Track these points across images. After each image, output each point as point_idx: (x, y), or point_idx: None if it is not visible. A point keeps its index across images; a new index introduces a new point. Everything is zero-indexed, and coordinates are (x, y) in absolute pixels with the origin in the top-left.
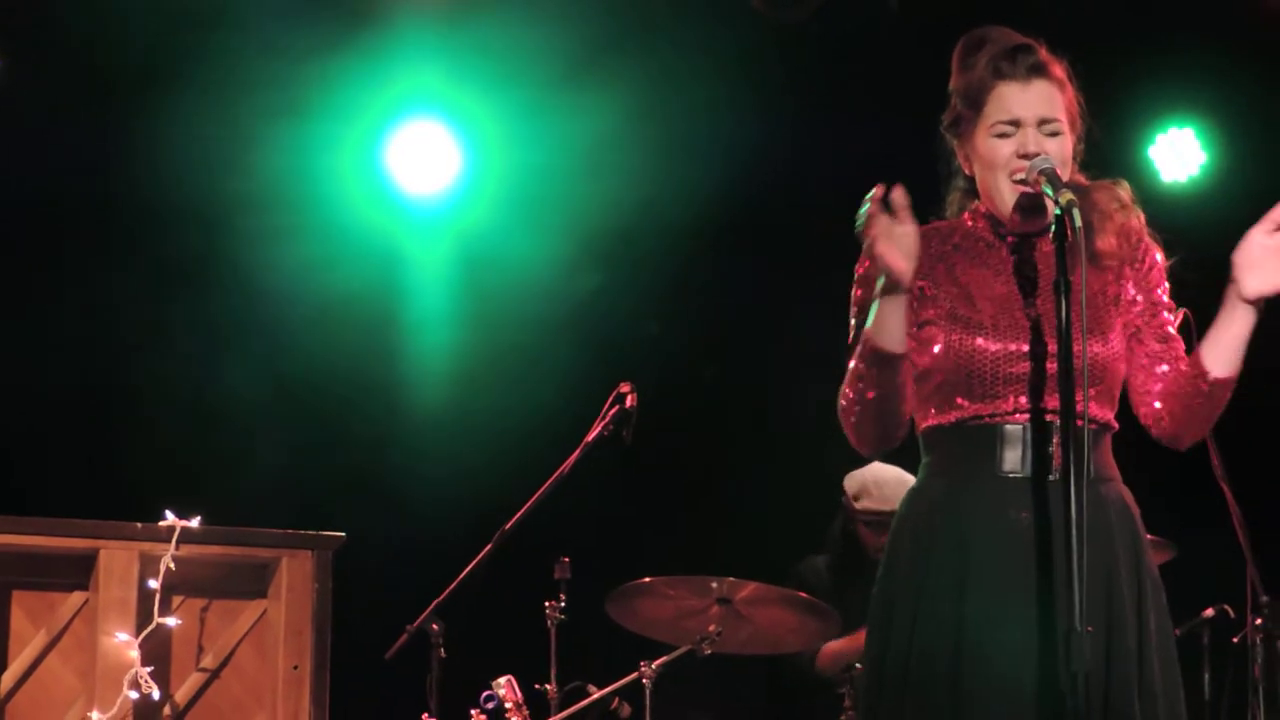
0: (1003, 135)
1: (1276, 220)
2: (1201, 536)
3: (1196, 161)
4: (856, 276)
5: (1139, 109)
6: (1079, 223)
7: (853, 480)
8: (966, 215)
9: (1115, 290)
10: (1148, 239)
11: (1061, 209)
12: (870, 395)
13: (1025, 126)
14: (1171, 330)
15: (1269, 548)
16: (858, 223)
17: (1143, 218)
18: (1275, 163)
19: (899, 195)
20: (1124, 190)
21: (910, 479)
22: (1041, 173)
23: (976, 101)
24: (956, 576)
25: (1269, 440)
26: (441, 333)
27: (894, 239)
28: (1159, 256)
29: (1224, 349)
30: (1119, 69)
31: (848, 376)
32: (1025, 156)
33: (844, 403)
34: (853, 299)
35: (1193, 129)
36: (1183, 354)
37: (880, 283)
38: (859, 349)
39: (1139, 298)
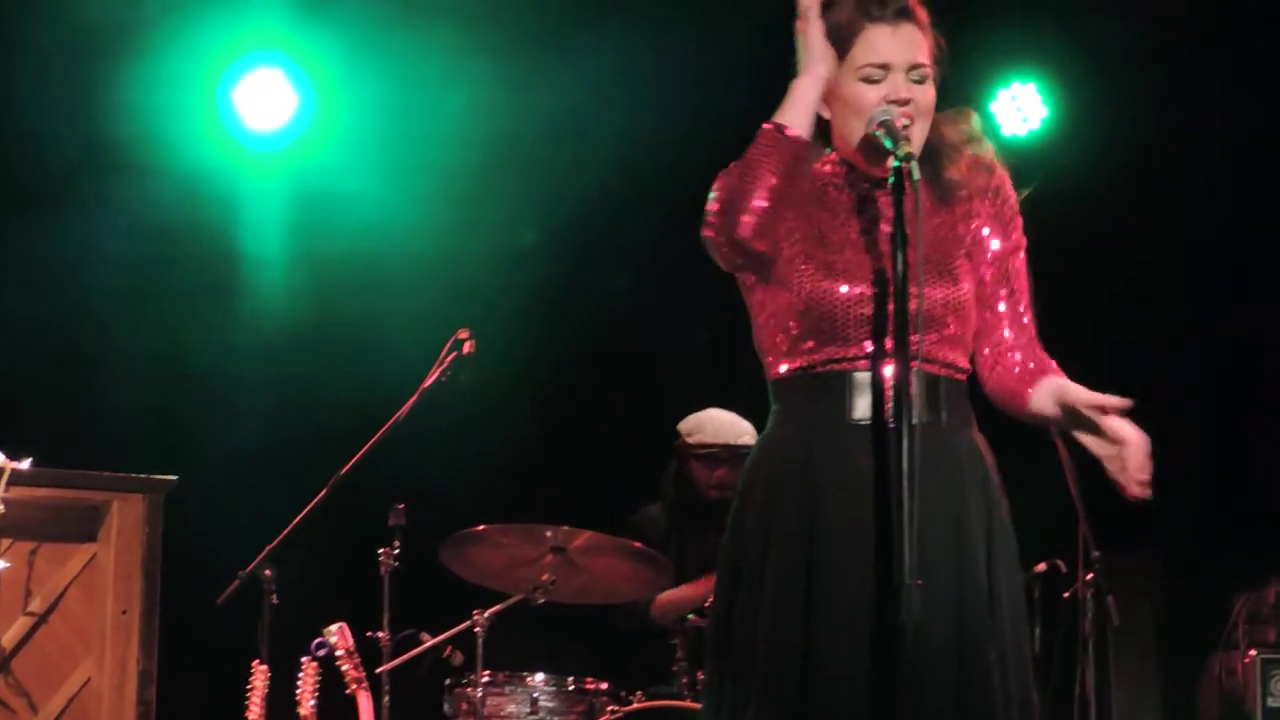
0: (870, 80)
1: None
2: (1033, 490)
3: (1038, 116)
4: None
5: (980, 63)
6: (917, 175)
7: (686, 421)
8: (820, 162)
9: (966, 229)
10: (1000, 170)
11: (900, 160)
12: (751, 173)
13: (894, 71)
14: (1025, 319)
15: (1100, 502)
16: None
17: (991, 149)
18: (1115, 116)
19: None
20: (971, 121)
21: (743, 422)
22: (881, 124)
23: (843, 42)
24: (806, 523)
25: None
26: (279, 273)
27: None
28: (1007, 191)
29: (1052, 410)
30: (960, 23)
31: (736, 165)
32: (894, 103)
33: (722, 183)
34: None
35: (1035, 83)
36: (1023, 345)
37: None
38: (759, 136)
39: (996, 242)
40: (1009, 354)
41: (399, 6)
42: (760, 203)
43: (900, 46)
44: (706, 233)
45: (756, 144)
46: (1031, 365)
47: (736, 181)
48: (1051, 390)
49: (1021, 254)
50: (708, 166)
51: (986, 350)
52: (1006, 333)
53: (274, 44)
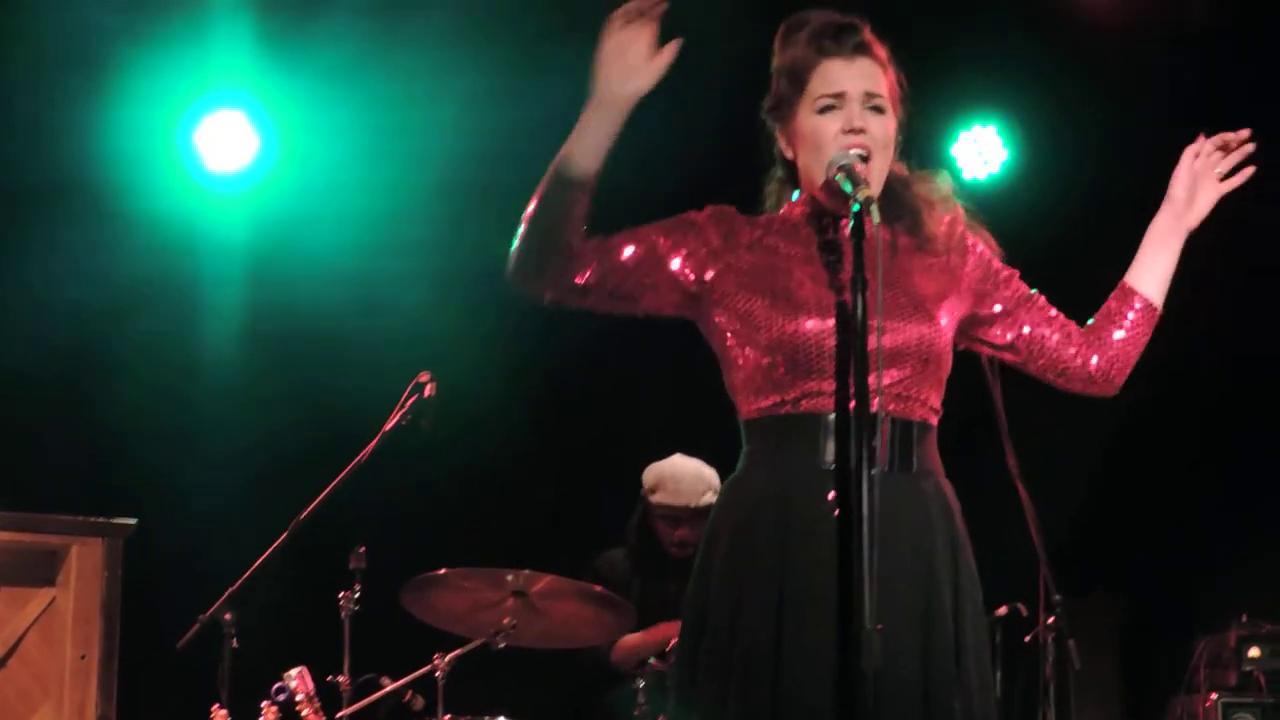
0: (827, 110)
1: (1213, 144)
2: (995, 534)
3: (998, 158)
4: None
5: (942, 106)
6: (877, 219)
7: (650, 473)
8: (786, 207)
9: (940, 276)
10: (969, 231)
11: (859, 205)
12: (537, 214)
13: (850, 100)
14: (1043, 302)
15: (1061, 547)
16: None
17: (961, 210)
18: (1074, 159)
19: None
20: (944, 182)
21: (707, 473)
22: (841, 168)
23: (799, 79)
24: (777, 569)
25: (1065, 441)
26: (239, 318)
27: (626, 48)
28: (983, 246)
29: (1162, 282)
30: (921, 66)
31: (530, 204)
32: (851, 131)
33: (521, 234)
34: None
35: (995, 126)
36: (1073, 325)
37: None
38: (549, 171)
39: (990, 285)
40: (1089, 333)
41: (362, 48)
42: (539, 260)
43: (856, 76)
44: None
45: (545, 183)
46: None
47: (532, 227)
48: (1150, 275)
49: (1017, 277)
50: (669, 202)
51: (1069, 363)
52: (1073, 348)
53: (236, 86)
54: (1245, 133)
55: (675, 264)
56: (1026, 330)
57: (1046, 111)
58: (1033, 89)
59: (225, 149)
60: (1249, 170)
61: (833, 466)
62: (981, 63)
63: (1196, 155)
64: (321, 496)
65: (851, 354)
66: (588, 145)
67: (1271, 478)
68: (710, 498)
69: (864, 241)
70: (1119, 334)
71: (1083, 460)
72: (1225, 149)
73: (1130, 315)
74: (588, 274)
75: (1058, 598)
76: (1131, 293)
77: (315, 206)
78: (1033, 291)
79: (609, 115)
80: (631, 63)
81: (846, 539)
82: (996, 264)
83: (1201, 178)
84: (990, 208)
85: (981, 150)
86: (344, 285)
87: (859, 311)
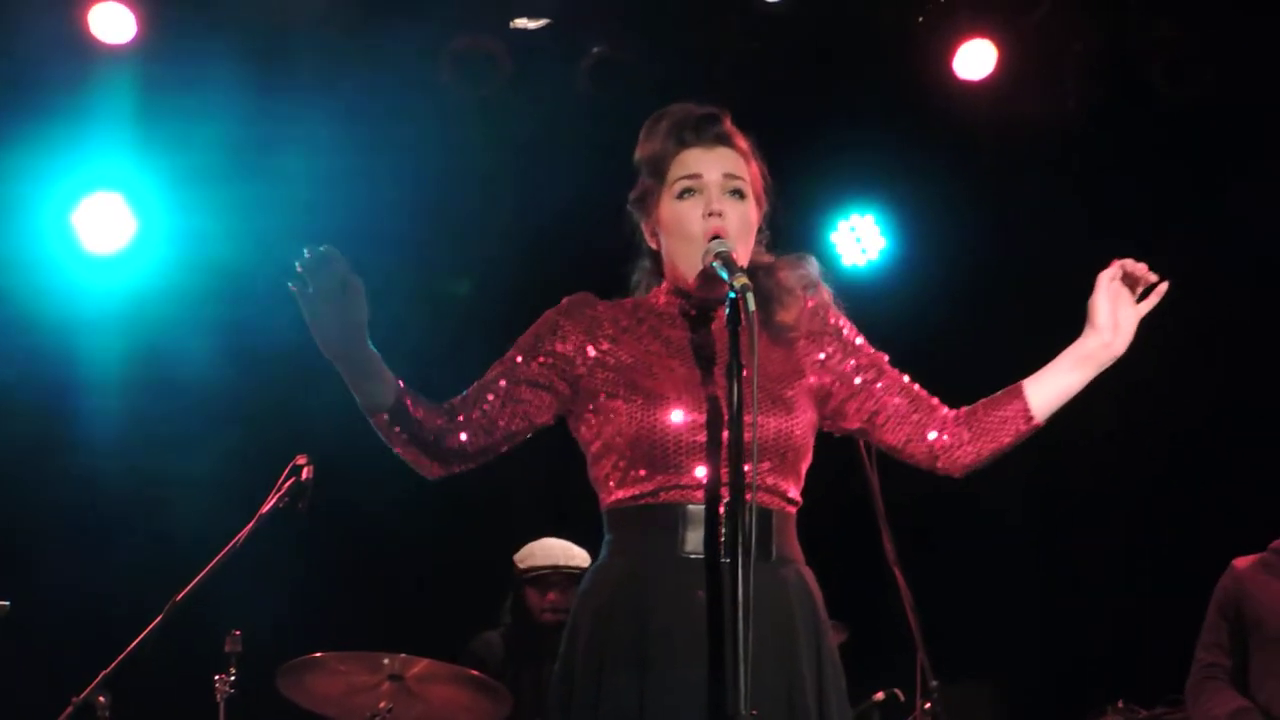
0: (686, 194)
1: (1117, 273)
2: (872, 619)
3: (877, 247)
4: None
5: (820, 195)
6: (752, 307)
7: (520, 551)
8: (653, 294)
9: (801, 366)
10: (834, 311)
11: (735, 292)
12: (404, 450)
13: (708, 184)
14: (906, 380)
15: (938, 633)
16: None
17: (829, 293)
18: (952, 249)
19: (334, 253)
20: (811, 266)
21: (576, 548)
22: (717, 255)
23: (660, 169)
24: (637, 655)
25: (941, 528)
26: (114, 399)
27: (325, 298)
28: (849, 327)
29: (1055, 400)
30: (801, 154)
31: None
32: (711, 214)
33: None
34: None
35: (873, 215)
36: (934, 400)
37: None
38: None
39: (852, 363)
40: (933, 412)
41: (234, 133)
42: (434, 465)
43: (714, 161)
44: None
45: (377, 428)
46: (1011, 399)
47: (403, 456)
48: (1044, 388)
49: (888, 365)
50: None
51: (929, 431)
52: (917, 415)
53: (113, 171)
54: (1144, 266)
55: (541, 377)
56: (882, 403)
57: (924, 201)
58: (911, 178)
59: (103, 233)
60: (1162, 287)
61: (693, 555)
62: (861, 152)
63: (1112, 279)
64: (198, 579)
65: (726, 442)
66: (363, 389)
67: (1146, 564)
68: (579, 563)
69: (739, 329)
70: (986, 423)
71: (959, 544)
72: (1133, 279)
73: (1003, 411)
74: (464, 438)
75: (934, 683)
76: (1018, 394)
77: (191, 285)
78: (897, 371)
79: (353, 362)
80: (339, 317)
81: (718, 625)
82: (861, 343)
83: (1120, 302)
84: (869, 295)
85: (860, 238)
86: (220, 364)
87: (734, 398)
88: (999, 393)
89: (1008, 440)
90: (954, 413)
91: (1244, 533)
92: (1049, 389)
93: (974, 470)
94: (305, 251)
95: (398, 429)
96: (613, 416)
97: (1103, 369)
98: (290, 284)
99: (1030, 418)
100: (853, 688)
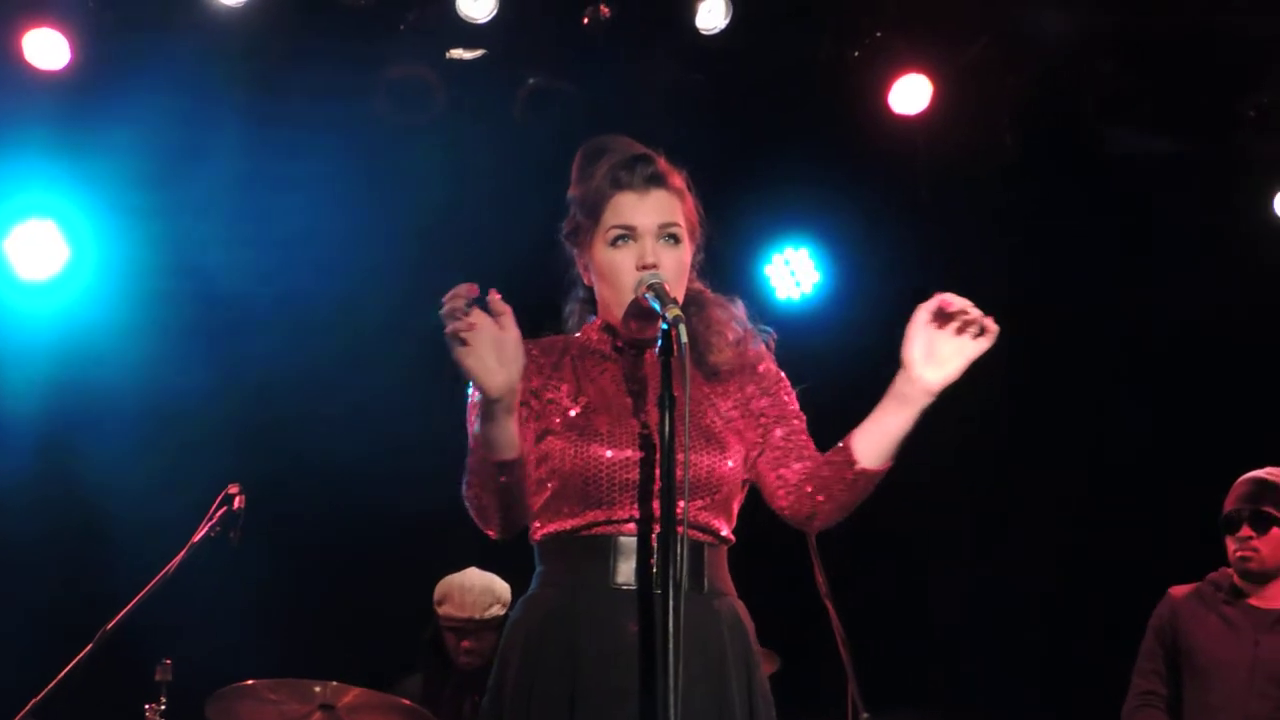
0: (620, 240)
1: (933, 308)
2: (803, 652)
3: (810, 280)
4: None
5: (754, 229)
6: (685, 338)
7: (440, 586)
8: (585, 329)
9: (732, 402)
10: (765, 354)
11: (668, 324)
12: (488, 497)
13: (643, 235)
14: (803, 436)
15: (870, 664)
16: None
17: (755, 335)
18: (886, 282)
19: (498, 301)
20: (739, 308)
21: (497, 587)
22: (650, 288)
23: (594, 211)
24: (567, 687)
25: (873, 559)
26: (44, 425)
27: (490, 346)
28: (774, 369)
29: (878, 442)
30: (736, 188)
31: (468, 474)
32: (645, 267)
33: (468, 494)
34: (470, 401)
35: (807, 249)
36: (815, 451)
37: (477, 395)
38: (473, 454)
39: (765, 402)
40: (810, 458)
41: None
42: (499, 523)
43: (648, 210)
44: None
45: (476, 462)
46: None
47: (480, 503)
48: (865, 433)
49: (796, 420)
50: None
51: (793, 475)
52: (797, 463)
53: (45, 199)
54: (965, 304)
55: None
56: (769, 443)
57: (859, 234)
58: (845, 212)
59: (34, 260)
60: (994, 330)
61: (624, 586)
62: (795, 186)
63: (928, 315)
64: (128, 608)
65: (658, 475)
66: (499, 439)
67: (1080, 594)
68: (496, 610)
69: (671, 360)
70: (821, 475)
71: (891, 577)
72: (943, 317)
73: (832, 458)
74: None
75: (865, 715)
76: (846, 441)
77: (120, 316)
78: (805, 433)
79: (505, 408)
80: (507, 358)
81: (649, 658)
82: (787, 399)
83: (938, 338)
84: (802, 328)
85: (794, 271)
86: (150, 392)
87: (666, 429)
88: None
89: (840, 489)
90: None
91: (1176, 561)
92: (871, 433)
93: (823, 525)
94: (456, 300)
95: (504, 479)
96: (548, 454)
97: (925, 405)
98: (450, 332)
99: (854, 463)
100: (785, 718)
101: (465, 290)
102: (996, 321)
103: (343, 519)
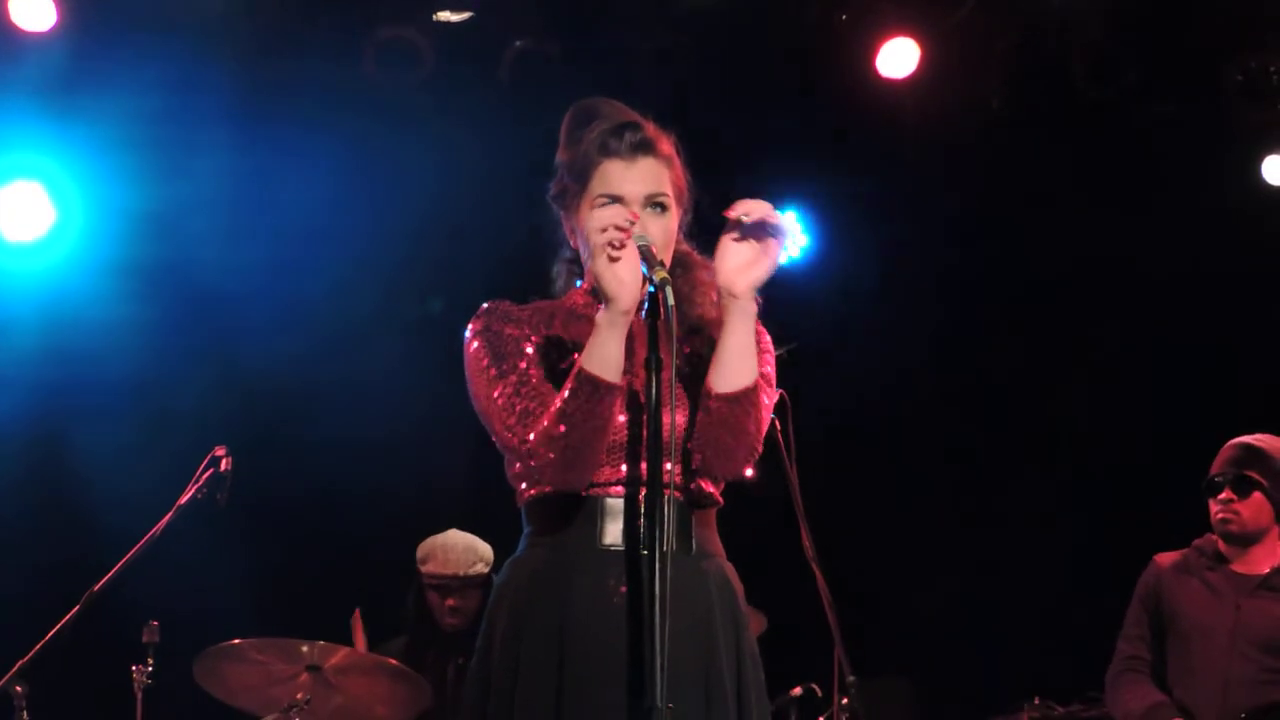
0: (607, 208)
1: (736, 214)
2: (789, 614)
3: (798, 245)
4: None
5: (741, 193)
6: (671, 300)
7: (423, 546)
8: (571, 294)
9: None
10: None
11: (655, 286)
12: (592, 434)
13: (630, 203)
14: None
15: (856, 628)
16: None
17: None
18: (874, 245)
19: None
20: None
21: (480, 547)
22: (638, 249)
23: (582, 176)
24: (555, 649)
25: (860, 522)
26: (31, 389)
27: (631, 263)
28: (758, 328)
29: (722, 363)
30: (723, 153)
31: (561, 420)
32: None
33: (561, 444)
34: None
35: (793, 212)
36: None
37: (607, 306)
38: (572, 382)
39: None
40: None
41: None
42: (599, 457)
43: (636, 179)
44: (542, 477)
45: (576, 394)
46: None
47: (574, 440)
48: (713, 361)
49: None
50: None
51: None
52: None
53: (32, 161)
54: (753, 206)
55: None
56: None
57: (846, 199)
58: (833, 176)
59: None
60: (787, 229)
61: (611, 547)
62: (783, 150)
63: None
64: (115, 569)
65: (645, 435)
66: (617, 358)
67: (1064, 560)
68: (480, 568)
69: (658, 322)
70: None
71: (879, 541)
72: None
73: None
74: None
75: (852, 679)
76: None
77: (106, 284)
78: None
79: (625, 326)
80: (635, 274)
81: (636, 618)
82: (763, 358)
83: (744, 249)
84: (790, 293)
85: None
86: (132, 359)
87: (653, 391)
88: None
89: (706, 428)
90: None
91: (1163, 528)
92: (716, 360)
93: (726, 472)
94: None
95: (613, 406)
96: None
97: (749, 313)
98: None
99: (710, 393)
100: (771, 682)
101: (628, 214)
102: (985, 287)
103: (332, 480)
